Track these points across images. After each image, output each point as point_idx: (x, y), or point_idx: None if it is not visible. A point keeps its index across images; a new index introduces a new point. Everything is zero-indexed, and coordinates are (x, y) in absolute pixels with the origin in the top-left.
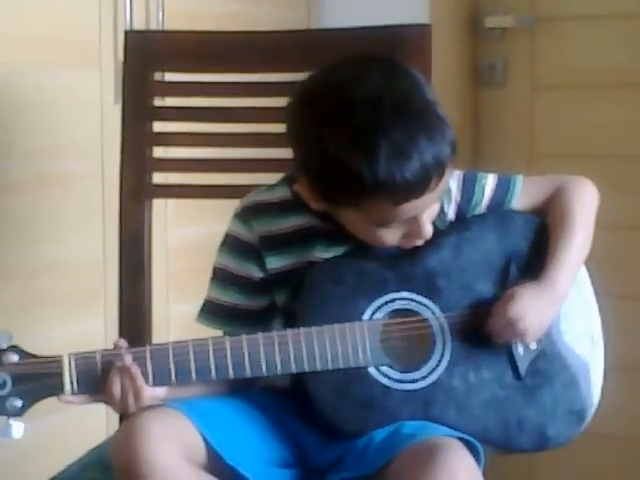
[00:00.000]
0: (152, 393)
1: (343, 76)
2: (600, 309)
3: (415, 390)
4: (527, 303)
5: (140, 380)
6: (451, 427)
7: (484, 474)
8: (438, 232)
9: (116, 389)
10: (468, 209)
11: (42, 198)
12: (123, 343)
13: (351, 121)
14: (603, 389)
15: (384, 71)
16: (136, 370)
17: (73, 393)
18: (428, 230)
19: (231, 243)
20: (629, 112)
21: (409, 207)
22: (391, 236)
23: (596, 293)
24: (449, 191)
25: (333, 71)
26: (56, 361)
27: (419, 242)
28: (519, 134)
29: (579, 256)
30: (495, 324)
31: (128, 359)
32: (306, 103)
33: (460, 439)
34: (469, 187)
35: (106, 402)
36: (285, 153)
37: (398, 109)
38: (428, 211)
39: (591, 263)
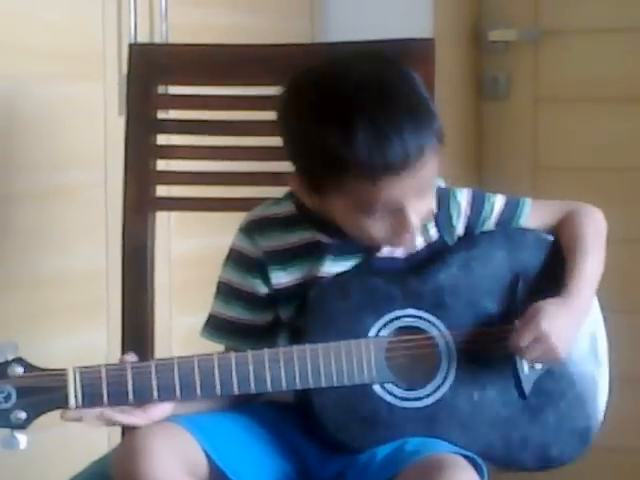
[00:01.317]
0: (150, 417)
1: (332, 66)
2: (605, 323)
3: (419, 408)
4: (555, 318)
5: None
6: (454, 445)
7: None
8: (447, 248)
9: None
10: (477, 224)
11: (45, 209)
12: (130, 358)
13: (334, 103)
14: (608, 401)
15: (374, 62)
16: (110, 415)
17: (77, 407)
18: (414, 222)
19: (235, 258)
20: (632, 125)
21: (389, 189)
22: (378, 228)
23: (601, 307)
24: (458, 206)
25: (323, 63)
26: (61, 374)
27: (408, 239)
28: (522, 147)
29: (596, 273)
30: (523, 340)
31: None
32: (293, 92)
33: (463, 456)
34: (478, 203)
35: None
36: (289, 166)
37: (382, 93)
38: (416, 207)
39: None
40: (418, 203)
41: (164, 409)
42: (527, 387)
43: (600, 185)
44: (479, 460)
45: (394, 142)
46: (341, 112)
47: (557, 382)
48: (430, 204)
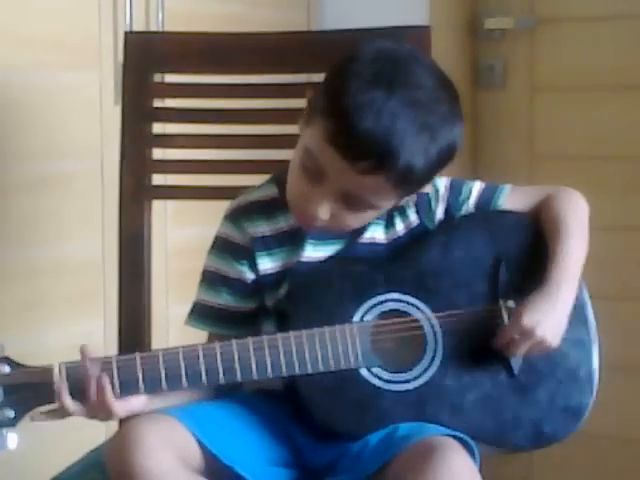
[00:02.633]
0: (125, 405)
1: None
2: (594, 310)
3: (407, 391)
4: (537, 312)
5: (108, 396)
6: (445, 426)
7: (479, 473)
8: (428, 232)
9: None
10: (456, 207)
11: (42, 199)
12: (87, 351)
13: (383, 66)
14: (599, 390)
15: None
16: (105, 388)
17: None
18: (321, 209)
19: (222, 245)
20: (629, 113)
21: (326, 157)
22: (300, 186)
23: (591, 294)
24: (437, 191)
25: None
26: (47, 371)
27: (310, 221)
28: (519, 136)
29: (579, 259)
30: (509, 336)
31: (93, 371)
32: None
33: (455, 438)
34: (456, 187)
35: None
36: (285, 154)
37: (418, 97)
38: (336, 205)
39: (587, 264)
40: (339, 206)
41: (126, 408)
42: (516, 366)
43: (597, 173)
44: (470, 441)
45: (372, 125)
46: (378, 73)
47: (547, 360)
48: (354, 223)
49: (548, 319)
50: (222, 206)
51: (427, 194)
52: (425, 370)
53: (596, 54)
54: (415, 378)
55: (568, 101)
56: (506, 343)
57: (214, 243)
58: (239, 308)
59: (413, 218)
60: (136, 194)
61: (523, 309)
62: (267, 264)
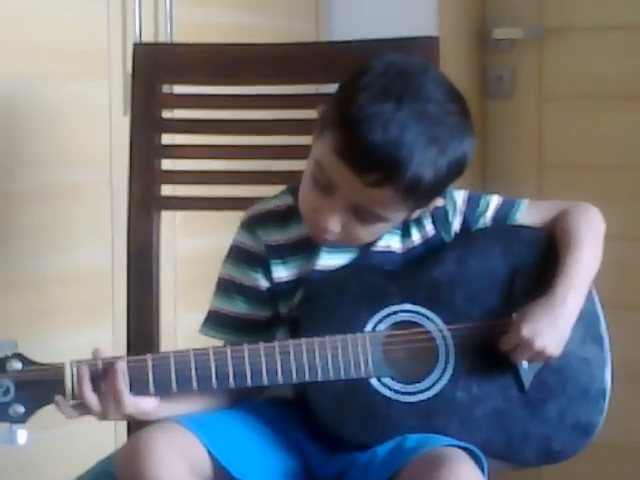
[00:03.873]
0: (136, 402)
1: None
2: (608, 320)
3: (418, 402)
4: (541, 320)
5: (120, 384)
6: (454, 439)
7: None
8: (444, 244)
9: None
10: (473, 220)
11: (51, 209)
12: (100, 354)
13: (395, 78)
14: (610, 399)
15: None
16: (117, 373)
17: (75, 400)
18: (331, 221)
19: (237, 253)
20: (637, 122)
21: (338, 170)
22: (310, 199)
23: (607, 304)
24: (454, 203)
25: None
26: (58, 368)
27: (322, 233)
28: (527, 145)
29: (589, 270)
30: (510, 344)
31: (121, 365)
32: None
33: (463, 449)
34: (474, 200)
35: (87, 411)
36: (294, 165)
37: (428, 113)
38: (345, 217)
39: (596, 274)
40: (350, 219)
41: (137, 403)
42: (527, 381)
43: (605, 183)
44: (478, 452)
45: (370, 146)
46: (387, 86)
47: (558, 375)
48: (365, 237)
49: (549, 328)
50: (231, 217)
51: (444, 206)
52: (436, 382)
53: (604, 64)
54: (426, 390)
55: (576, 110)
56: (508, 351)
57: (230, 251)
58: (254, 316)
59: (429, 228)
60: (145, 204)
61: (523, 318)
62: (281, 272)
